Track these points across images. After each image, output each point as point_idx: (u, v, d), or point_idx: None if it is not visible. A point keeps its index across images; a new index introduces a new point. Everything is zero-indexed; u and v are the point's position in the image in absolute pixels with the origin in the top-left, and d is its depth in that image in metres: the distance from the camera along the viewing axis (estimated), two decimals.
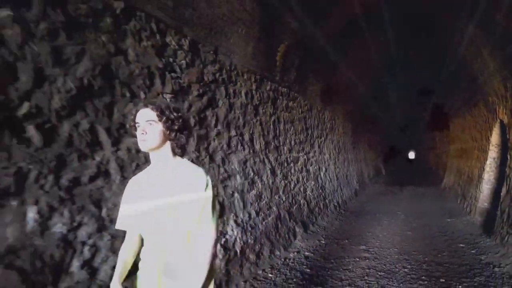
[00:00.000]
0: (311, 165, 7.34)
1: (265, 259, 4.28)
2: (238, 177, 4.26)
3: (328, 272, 4.13)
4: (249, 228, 4.22)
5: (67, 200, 2.19)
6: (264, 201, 4.83)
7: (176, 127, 1.52)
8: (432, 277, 3.90)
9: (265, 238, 4.52)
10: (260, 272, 4.00)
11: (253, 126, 4.89)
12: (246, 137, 4.66)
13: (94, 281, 2.23)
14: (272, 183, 5.24)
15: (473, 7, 5.05)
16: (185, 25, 3.48)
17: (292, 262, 4.45)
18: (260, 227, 4.48)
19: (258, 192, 4.70)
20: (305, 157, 7.04)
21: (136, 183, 1.60)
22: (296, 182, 6.28)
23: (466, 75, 7.39)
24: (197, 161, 3.52)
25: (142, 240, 1.61)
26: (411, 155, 27.35)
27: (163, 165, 1.55)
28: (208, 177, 1.53)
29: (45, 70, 2.16)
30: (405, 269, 4.20)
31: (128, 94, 2.77)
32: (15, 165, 1.94)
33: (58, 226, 2.10)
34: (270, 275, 3.97)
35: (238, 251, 3.82)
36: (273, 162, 5.40)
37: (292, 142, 6.43)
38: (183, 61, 3.48)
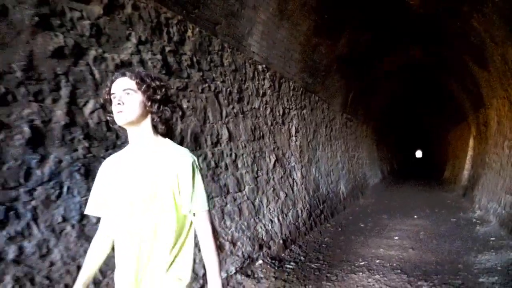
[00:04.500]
0: (359, 160, 11.98)
1: (352, 202, 8.95)
2: (340, 163, 8.93)
3: (382, 209, 8.75)
4: (346, 188, 8.89)
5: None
6: (348, 176, 9.49)
7: (158, 97, 1.31)
8: (432, 210, 8.53)
9: (350, 195, 9.18)
10: (352, 207, 8.66)
11: (340, 138, 9.54)
12: (339, 143, 9.32)
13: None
14: (348, 168, 9.90)
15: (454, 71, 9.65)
16: (322, 94, 8.14)
17: (363, 206, 9.09)
18: (348, 188, 9.15)
19: (345, 172, 9.36)
20: (356, 154, 11.68)
21: (111, 164, 1.38)
22: (355, 168, 10.93)
23: (458, 106, 11.98)
24: (332, 155, 8.20)
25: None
26: (418, 154, 32.01)
27: (142, 144, 1.32)
28: (195, 160, 1.30)
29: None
30: (417, 209, 8.82)
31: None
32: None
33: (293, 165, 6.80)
34: (357, 208, 8.63)
35: (346, 196, 8.50)
36: (347, 157, 10.06)
37: (352, 145, 11.06)
38: (321, 110, 8.14)
